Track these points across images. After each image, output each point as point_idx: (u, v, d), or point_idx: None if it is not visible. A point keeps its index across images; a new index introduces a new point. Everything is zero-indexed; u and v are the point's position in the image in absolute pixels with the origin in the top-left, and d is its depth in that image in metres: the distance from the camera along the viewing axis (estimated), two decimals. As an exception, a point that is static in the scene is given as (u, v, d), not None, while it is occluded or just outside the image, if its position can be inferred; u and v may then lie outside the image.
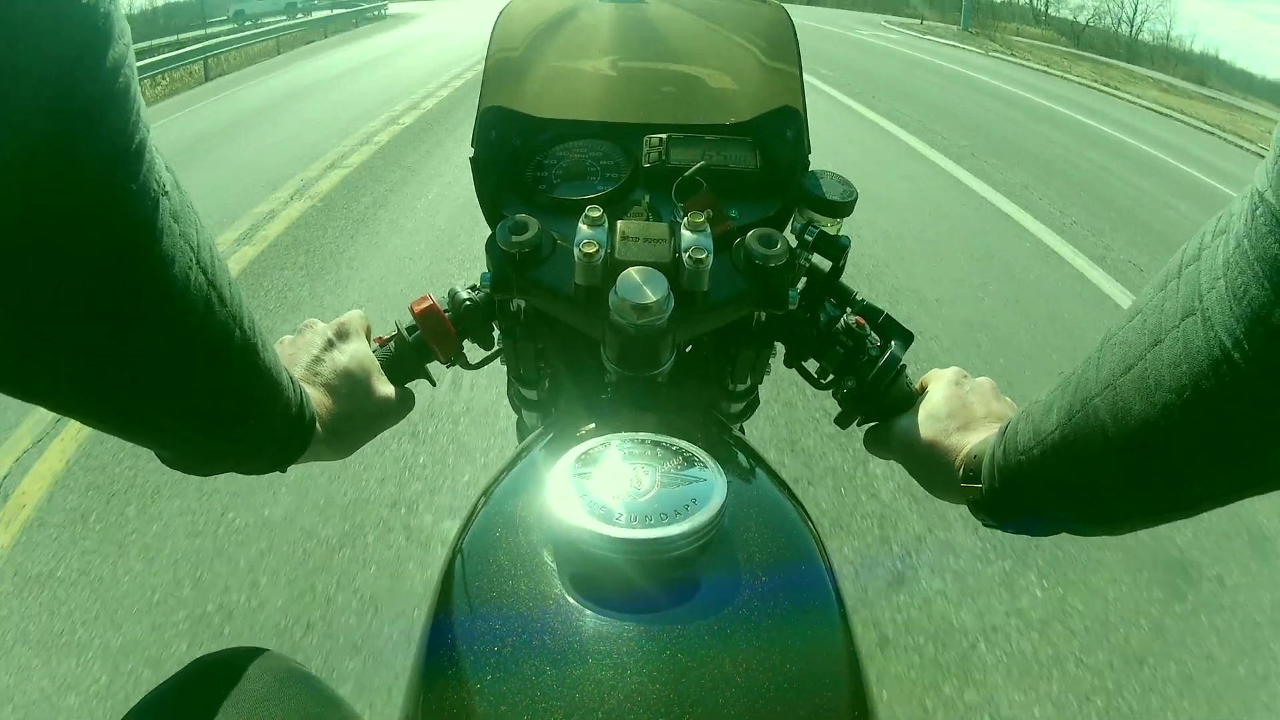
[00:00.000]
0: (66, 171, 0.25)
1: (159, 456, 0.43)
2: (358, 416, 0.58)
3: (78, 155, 0.25)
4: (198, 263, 0.33)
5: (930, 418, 0.59)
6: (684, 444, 0.47)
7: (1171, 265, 0.36)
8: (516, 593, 0.41)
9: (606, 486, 0.43)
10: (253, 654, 0.50)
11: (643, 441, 0.47)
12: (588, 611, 0.40)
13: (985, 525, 0.54)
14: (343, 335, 0.61)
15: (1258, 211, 0.30)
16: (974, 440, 0.55)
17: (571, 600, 0.40)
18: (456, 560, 0.46)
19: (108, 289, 0.29)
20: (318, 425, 0.52)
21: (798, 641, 0.40)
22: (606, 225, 0.59)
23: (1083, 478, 0.42)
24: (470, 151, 0.71)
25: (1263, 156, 0.32)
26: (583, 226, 0.58)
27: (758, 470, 0.54)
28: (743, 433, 0.83)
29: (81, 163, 0.26)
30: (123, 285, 0.30)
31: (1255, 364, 0.30)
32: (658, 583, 0.41)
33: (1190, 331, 0.33)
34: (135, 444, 0.39)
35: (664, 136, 0.74)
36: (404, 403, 0.64)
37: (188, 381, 0.36)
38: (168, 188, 0.30)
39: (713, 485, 0.44)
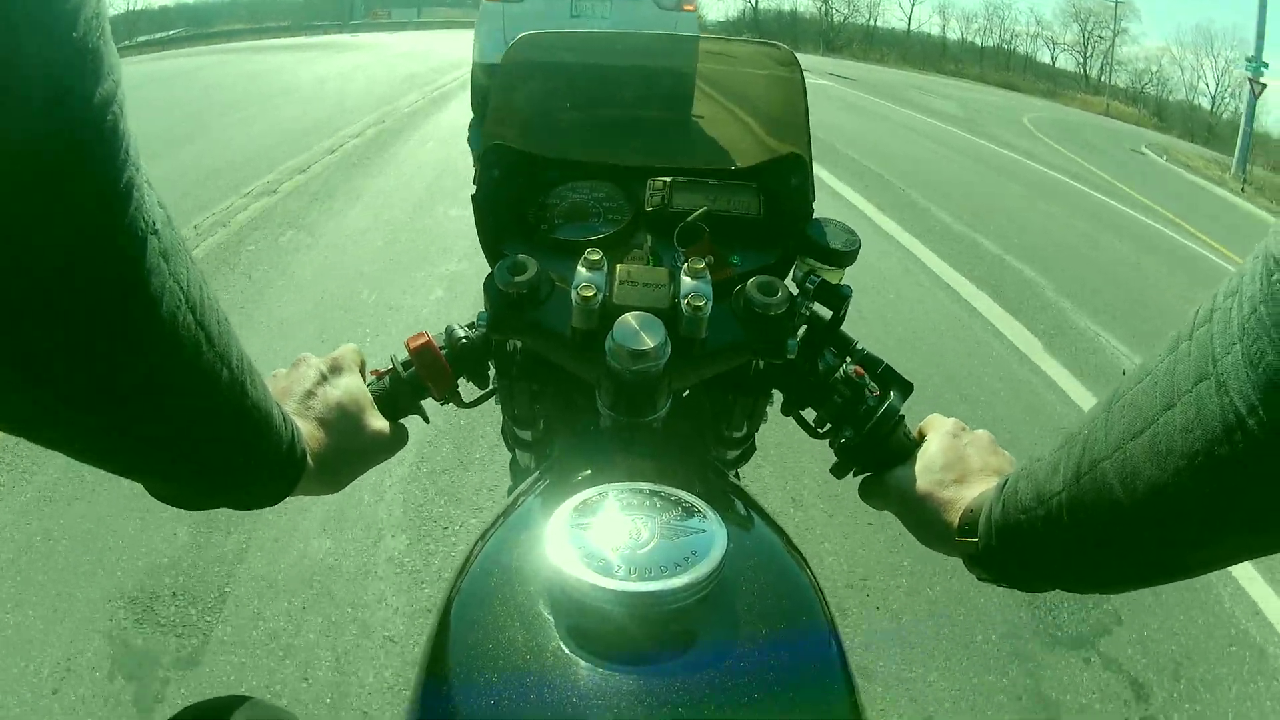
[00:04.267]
0: (50, 211, 0.24)
1: (147, 489, 0.42)
2: (350, 451, 0.57)
3: (63, 194, 0.25)
4: (186, 302, 0.32)
5: (927, 469, 0.58)
6: (683, 494, 0.46)
7: (1183, 327, 0.35)
8: (512, 644, 0.40)
9: (605, 537, 0.42)
10: (238, 701, 0.49)
11: (641, 491, 0.46)
12: (585, 665, 0.39)
13: (980, 579, 0.52)
14: (336, 370, 0.60)
15: (1274, 277, 0.29)
16: (971, 494, 0.54)
17: (568, 653, 0.39)
18: (452, 607, 0.45)
19: (92, 329, 0.28)
20: (309, 459, 0.51)
21: (799, 695, 0.40)
22: (605, 268, 0.58)
23: (1087, 541, 0.41)
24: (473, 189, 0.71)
25: None
26: (581, 269, 0.57)
27: (757, 520, 0.53)
28: (739, 478, 0.82)
29: (66, 202, 0.25)
30: (108, 325, 0.29)
31: (1271, 431, 0.29)
32: (657, 636, 0.40)
33: (1204, 396, 0.32)
34: (122, 477, 0.38)
35: (667, 180, 0.72)
36: (397, 438, 0.62)
37: (173, 422, 0.35)
38: (158, 226, 0.29)
39: (713, 537, 0.42)
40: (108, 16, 0.25)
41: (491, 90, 0.75)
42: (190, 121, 6.27)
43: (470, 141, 5.96)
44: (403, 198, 4.52)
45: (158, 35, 17.50)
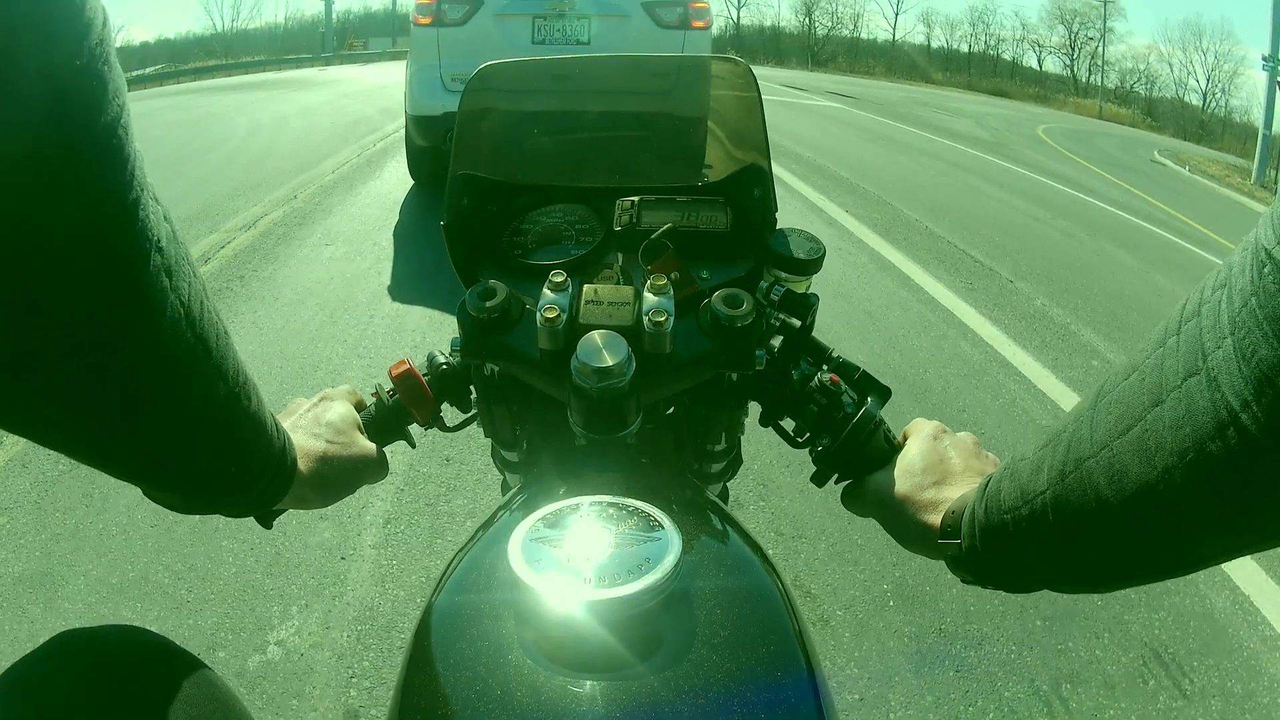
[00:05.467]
0: (53, 229, 0.25)
1: (144, 493, 0.42)
2: (340, 464, 0.58)
3: (66, 214, 0.25)
4: (186, 316, 0.32)
5: (907, 473, 0.57)
6: (643, 505, 0.46)
7: (1170, 321, 0.34)
8: (479, 654, 0.41)
9: (564, 548, 0.43)
10: (124, 631, 0.47)
11: (602, 504, 0.47)
12: (546, 672, 0.39)
13: (964, 582, 0.51)
14: (326, 399, 0.62)
15: (1266, 269, 0.28)
16: (952, 495, 0.53)
17: (530, 660, 0.39)
18: (429, 620, 0.45)
19: (92, 342, 0.29)
20: (301, 468, 0.52)
21: (761, 690, 0.40)
22: (571, 290, 0.59)
23: (1074, 541, 0.39)
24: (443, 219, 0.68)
25: None
26: (546, 291, 0.58)
27: (723, 528, 0.54)
28: (725, 492, 0.83)
29: (69, 221, 0.25)
30: (111, 339, 0.29)
31: (1264, 426, 0.28)
32: (618, 642, 0.39)
33: (1194, 392, 0.30)
34: (117, 479, 0.38)
35: (636, 199, 0.73)
36: (381, 464, 0.63)
37: (169, 431, 0.36)
38: (162, 242, 0.30)
39: (668, 544, 0.42)
40: (113, 42, 0.26)
41: (456, 119, 0.74)
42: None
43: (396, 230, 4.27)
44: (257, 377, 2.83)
45: (133, 73, 18.30)
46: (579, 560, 0.41)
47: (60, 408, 0.30)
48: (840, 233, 4.86)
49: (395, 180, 5.38)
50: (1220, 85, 40.37)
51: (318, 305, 3.22)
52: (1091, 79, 43.96)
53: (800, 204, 5.52)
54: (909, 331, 3.38)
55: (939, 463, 0.56)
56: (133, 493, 1.96)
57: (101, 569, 1.77)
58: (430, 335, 2.96)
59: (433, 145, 4.28)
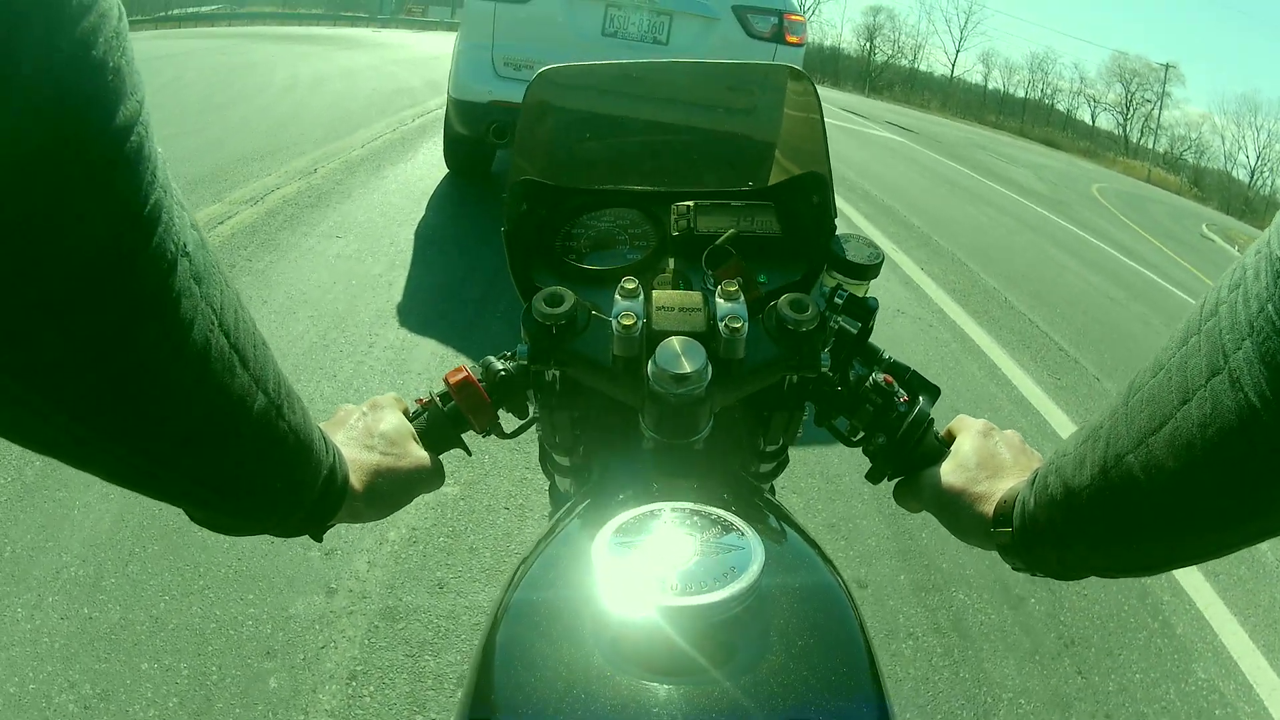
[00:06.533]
0: (73, 236, 0.23)
1: (188, 515, 0.41)
2: (395, 476, 0.55)
3: (85, 219, 0.23)
4: (219, 325, 0.31)
5: (961, 467, 0.58)
6: (721, 512, 0.47)
7: (1190, 320, 0.35)
8: (559, 661, 0.40)
9: (647, 556, 0.43)
10: None
11: (681, 510, 0.46)
12: (630, 679, 0.39)
13: (1014, 569, 0.53)
14: (376, 406, 0.60)
15: None
16: (1003, 488, 0.55)
17: (614, 668, 0.39)
18: (499, 627, 0.45)
19: (121, 355, 0.27)
20: (353, 483, 0.50)
21: (834, 698, 0.40)
22: (642, 296, 0.59)
23: (1116, 531, 0.41)
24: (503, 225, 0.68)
25: None
26: (619, 299, 0.57)
27: (790, 533, 0.54)
28: (773, 491, 0.82)
29: (89, 227, 0.24)
30: (137, 351, 0.27)
31: None
32: (699, 649, 0.40)
33: (1219, 391, 0.32)
34: (164, 503, 0.37)
35: (691, 204, 0.73)
36: (437, 472, 0.61)
37: (206, 448, 0.34)
38: (189, 248, 0.28)
39: (751, 552, 0.43)
40: (129, 34, 0.24)
41: (517, 126, 0.74)
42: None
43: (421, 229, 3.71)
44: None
45: (189, 10, 17.56)
46: (663, 566, 0.42)
47: (88, 424, 0.28)
48: (917, 295, 4.28)
49: (428, 166, 4.82)
50: (1269, 164, 39.45)
51: (311, 319, 2.66)
52: (1142, 140, 43.07)
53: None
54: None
55: (991, 458, 0.57)
56: (46, 572, 1.51)
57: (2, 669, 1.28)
58: (436, 382, 2.40)
59: (473, 135, 3.69)
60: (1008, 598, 2.03)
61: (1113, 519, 0.41)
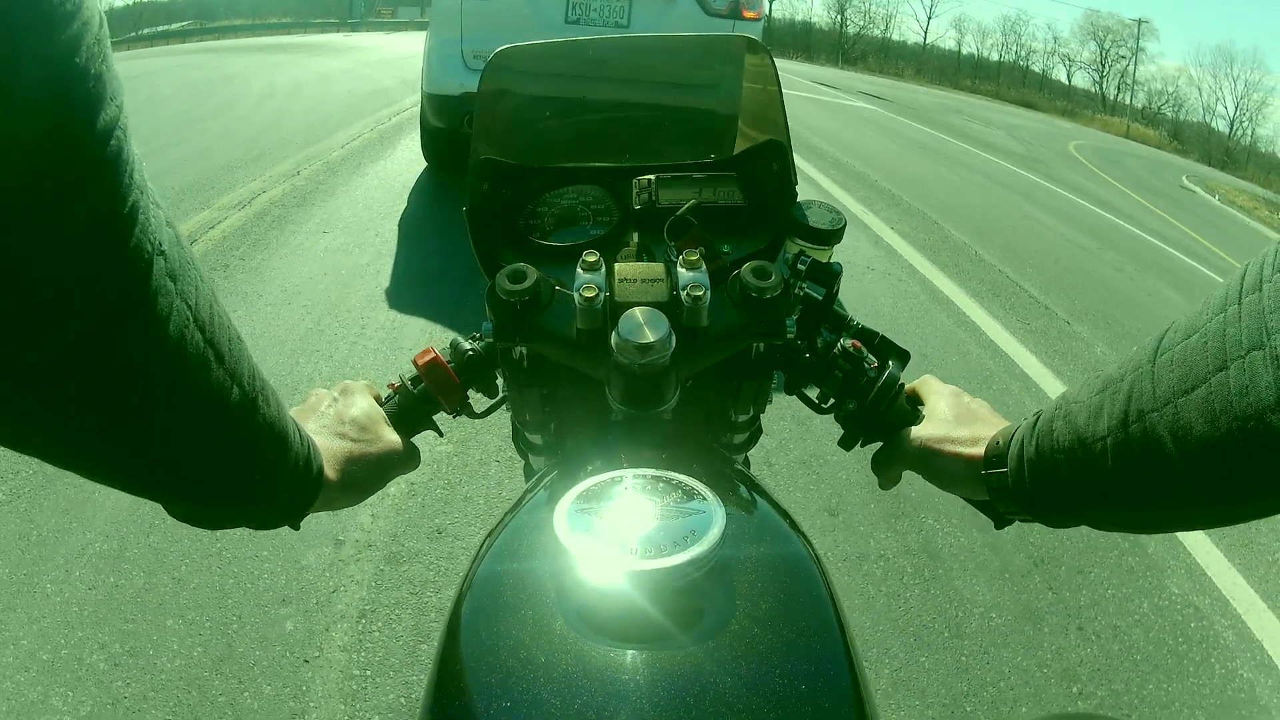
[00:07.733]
0: (51, 237, 0.24)
1: (165, 509, 0.41)
2: (367, 461, 0.56)
3: (64, 221, 0.24)
4: (195, 320, 0.31)
5: (940, 420, 0.58)
6: (683, 478, 0.46)
7: (1230, 289, 0.35)
8: (523, 625, 0.41)
9: (608, 520, 0.43)
10: None
11: (645, 476, 0.46)
12: (592, 642, 0.39)
13: (1003, 513, 0.53)
14: (347, 391, 0.60)
15: None
16: (989, 433, 0.54)
17: (573, 630, 0.39)
18: (464, 600, 0.45)
19: (101, 352, 0.27)
20: (328, 473, 0.50)
21: (800, 662, 0.40)
22: (604, 268, 0.58)
23: (1130, 487, 0.41)
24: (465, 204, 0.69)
25: None
26: (581, 271, 0.57)
27: (757, 499, 0.54)
28: (747, 462, 0.82)
29: (67, 229, 0.24)
30: (114, 348, 0.28)
31: None
32: (661, 613, 0.40)
33: (1258, 365, 0.32)
34: (141, 498, 0.37)
35: (652, 178, 0.73)
36: (411, 455, 0.62)
37: (182, 441, 0.34)
38: (164, 246, 0.28)
39: (712, 516, 0.43)
40: (109, 41, 0.25)
41: (475, 105, 0.73)
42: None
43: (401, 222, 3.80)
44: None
45: (159, 29, 17.92)
46: (624, 531, 0.41)
47: (69, 421, 0.28)
48: (886, 252, 4.39)
49: (407, 161, 4.91)
50: (1248, 113, 39.45)
51: (305, 308, 2.78)
52: (1120, 97, 43.01)
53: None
54: (971, 384, 2.93)
55: (968, 412, 0.58)
56: (75, 547, 1.62)
57: (33, 639, 1.39)
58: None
59: (449, 127, 3.79)
60: (976, 522, 2.13)
61: (1129, 475, 0.40)
